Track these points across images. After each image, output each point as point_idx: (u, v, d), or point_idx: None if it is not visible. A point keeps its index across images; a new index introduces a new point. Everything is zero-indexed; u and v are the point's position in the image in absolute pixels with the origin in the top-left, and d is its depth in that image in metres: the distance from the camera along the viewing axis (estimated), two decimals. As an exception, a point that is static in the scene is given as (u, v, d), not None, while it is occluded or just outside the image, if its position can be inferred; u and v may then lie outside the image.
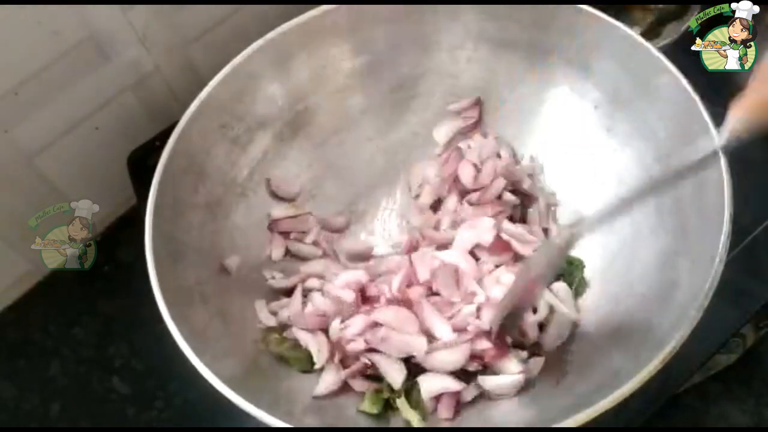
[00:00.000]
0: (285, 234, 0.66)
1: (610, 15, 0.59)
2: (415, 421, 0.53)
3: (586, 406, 0.44)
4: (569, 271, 0.60)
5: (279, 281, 0.63)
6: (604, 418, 0.44)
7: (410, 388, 0.55)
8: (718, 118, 0.52)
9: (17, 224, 0.62)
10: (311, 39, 0.65)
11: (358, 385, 0.56)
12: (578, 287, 0.60)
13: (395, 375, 0.55)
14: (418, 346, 0.55)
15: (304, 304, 0.60)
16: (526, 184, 0.65)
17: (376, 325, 0.56)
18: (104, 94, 0.66)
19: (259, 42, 0.62)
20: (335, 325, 0.57)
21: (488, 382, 0.54)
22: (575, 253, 0.61)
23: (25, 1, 0.54)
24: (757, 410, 0.99)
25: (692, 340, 0.46)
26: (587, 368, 0.53)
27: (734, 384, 0.98)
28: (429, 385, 0.55)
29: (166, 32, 0.67)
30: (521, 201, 0.65)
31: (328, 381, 0.56)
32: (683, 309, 0.47)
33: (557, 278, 0.60)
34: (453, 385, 0.54)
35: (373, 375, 0.57)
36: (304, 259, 0.65)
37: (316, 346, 0.57)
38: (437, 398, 0.55)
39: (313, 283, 0.62)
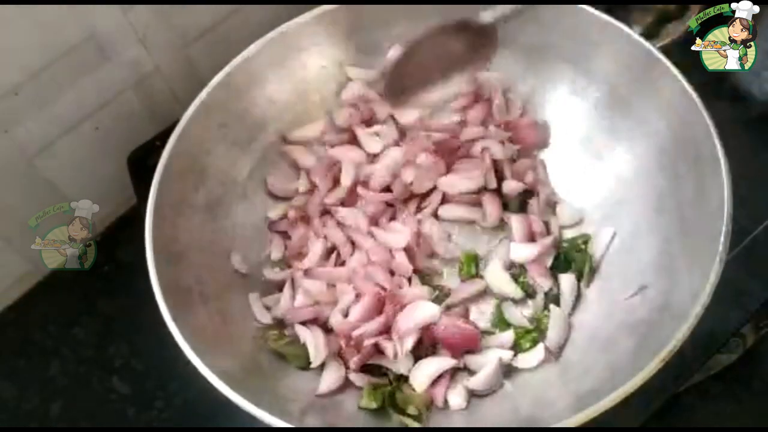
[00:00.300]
0: (284, 234, 0.66)
1: (610, 15, 0.59)
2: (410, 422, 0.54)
3: (586, 406, 0.45)
4: (580, 260, 0.61)
5: (276, 274, 0.63)
6: (604, 418, 0.44)
7: (393, 391, 0.56)
8: (718, 118, 0.52)
9: (17, 224, 0.62)
10: (311, 39, 0.65)
11: (359, 380, 0.56)
12: (588, 275, 0.60)
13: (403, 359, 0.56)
14: (430, 309, 0.57)
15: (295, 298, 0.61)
16: (528, 178, 0.65)
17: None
18: (104, 94, 0.66)
19: (259, 42, 0.62)
20: (338, 318, 0.58)
21: (472, 382, 0.55)
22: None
23: (25, 1, 0.54)
24: (757, 410, 0.98)
25: (692, 340, 0.46)
26: (587, 368, 0.53)
27: (734, 384, 0.98)
28: (424, 371, 0.55)
29: (166, 32, 0.67)
30: (522, 195, 0.65)
31: (329, 379, 0.56)
32: (683, 309, 0.47)
33: (565, 270, 0.60)
34: (447, 363, 0.55)
35: (374, 366, 0.57)
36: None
37: (313, 343, 0.57)
38: (434, 389, 0.55)
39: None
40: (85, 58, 0.61)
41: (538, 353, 0.56)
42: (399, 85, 0.54)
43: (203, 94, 0.60)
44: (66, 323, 0.68)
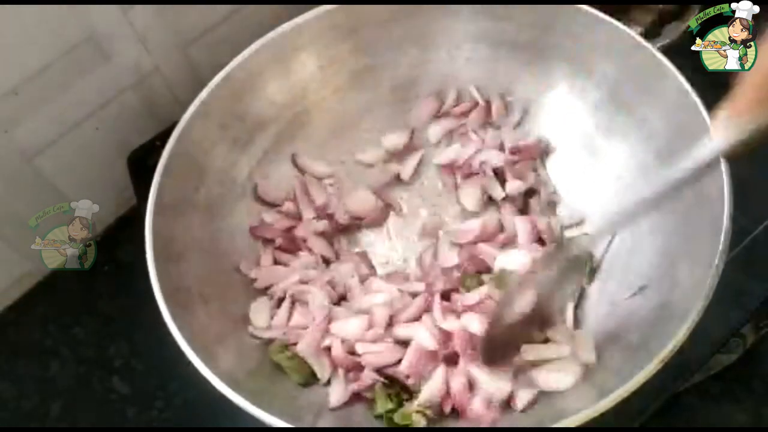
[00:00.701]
0: (269, 241, 0.64)
1: (610, 15, 0.59)
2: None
3: (586, 406, 0.44)
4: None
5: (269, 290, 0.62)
6: (604, 418, 0.44)
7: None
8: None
9: (17, 224, 0.62)
10: (311, 39, 0.65)
11: (369, 392, 0.55)
12: (589, 274, 0.60)
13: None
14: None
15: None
16: (530, 178, 0.65)
17: None
18: (104, 94, 0.66)
19: (259, 42, 0.62)
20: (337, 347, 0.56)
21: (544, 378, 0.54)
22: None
23: (25, 1, 0.54)
24: (757, 410, 0.98)
25: (692, 340, 0.46)
26: (587, 368, 0.53)
27: (734, 384, 0.98)
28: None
29: (166, 32, 0.67)
30: (524, 195, 0.65)
31: (339, 392, 0.55)
32: (683, 309, 0.47)
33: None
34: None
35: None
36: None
37: (317, 360, 0.56)
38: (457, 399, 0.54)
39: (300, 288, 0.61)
40: (85, 58, 0.61)
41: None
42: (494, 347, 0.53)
43: (203, 94, 0.60)
44: (66, 323, 0.68)
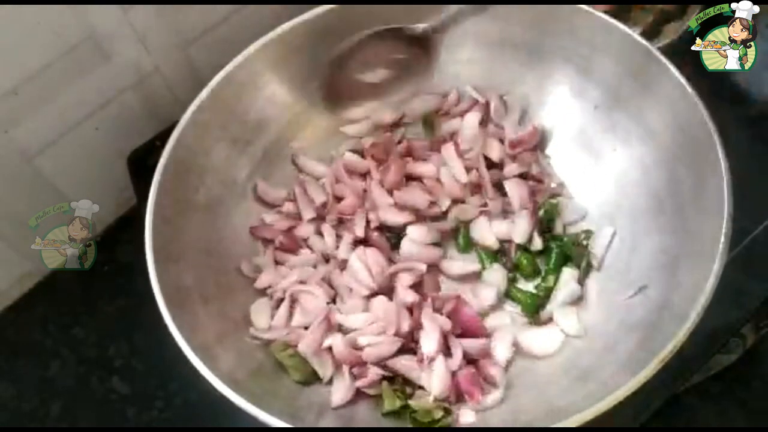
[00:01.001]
0: (269, 241, 0.64)
1: (609, 15, 0.59)
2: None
3: (586, 406, 0.45)
4: (578, 255, 0.61)
5: (268, 290, 0.62)
6: (604, 418, 0.44)
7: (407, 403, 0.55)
8: (718, 118, 0.52)
9: (17, 224, 0.62)
10: (311, 39, 0.65)
11: (373, 389, 0.55)
12: (584, 269, 0.61)
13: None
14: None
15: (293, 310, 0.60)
16: (535, 170, 0.65)
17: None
18: (104, 94, 0.66)
19: (259, 42, 0.62)
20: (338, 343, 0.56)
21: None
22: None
23: (25, 1, 0.54)
24: (757, 410, 0.99)
25: (692, 340, 0.46)
26: (587, 368, 0.53)
27: (734, 384, 0.98)
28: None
29: (166, 32, 0.67)
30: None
31: (342, 391, 0.55)
32: (683, 309, 0.47)
33: (565, 263, 0.61)
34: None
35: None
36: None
37: (318, 360, 0.56)
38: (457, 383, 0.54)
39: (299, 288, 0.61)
40: (85, 58, 0.61)
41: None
42: (338, 92, 0.58)
43: (203, 94, 0.60)
44: (66, 323, 0.68)
